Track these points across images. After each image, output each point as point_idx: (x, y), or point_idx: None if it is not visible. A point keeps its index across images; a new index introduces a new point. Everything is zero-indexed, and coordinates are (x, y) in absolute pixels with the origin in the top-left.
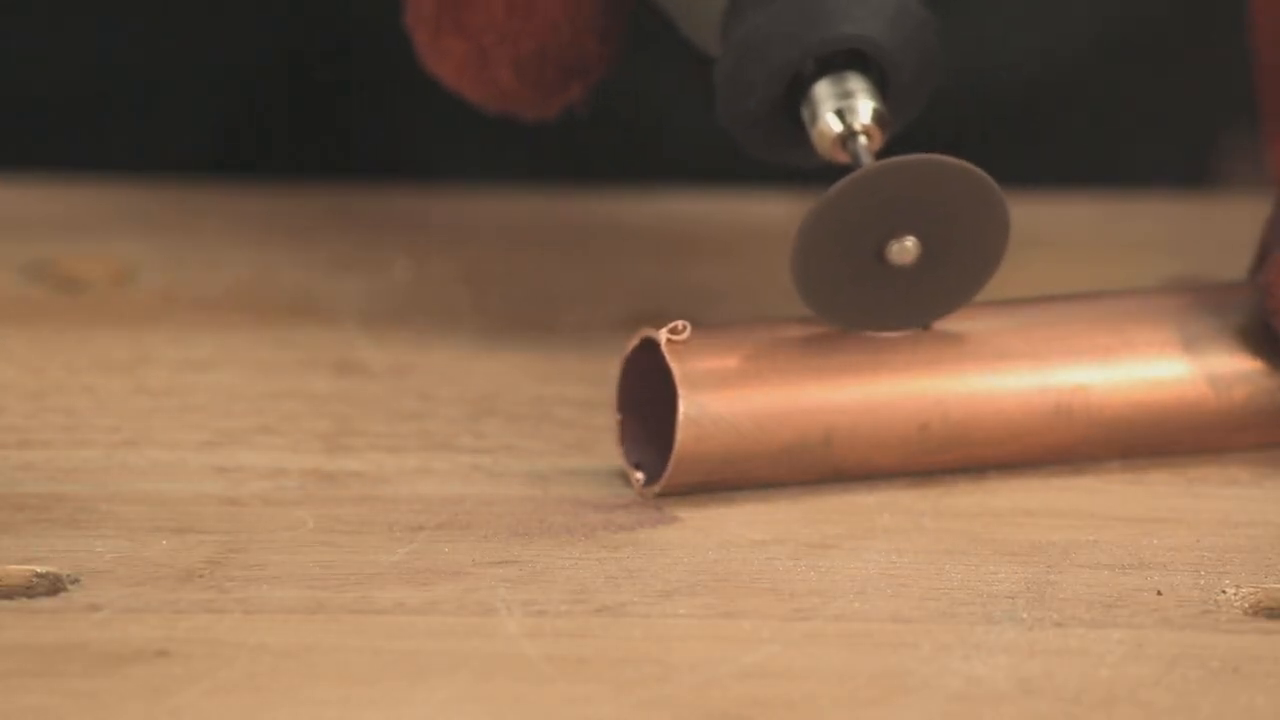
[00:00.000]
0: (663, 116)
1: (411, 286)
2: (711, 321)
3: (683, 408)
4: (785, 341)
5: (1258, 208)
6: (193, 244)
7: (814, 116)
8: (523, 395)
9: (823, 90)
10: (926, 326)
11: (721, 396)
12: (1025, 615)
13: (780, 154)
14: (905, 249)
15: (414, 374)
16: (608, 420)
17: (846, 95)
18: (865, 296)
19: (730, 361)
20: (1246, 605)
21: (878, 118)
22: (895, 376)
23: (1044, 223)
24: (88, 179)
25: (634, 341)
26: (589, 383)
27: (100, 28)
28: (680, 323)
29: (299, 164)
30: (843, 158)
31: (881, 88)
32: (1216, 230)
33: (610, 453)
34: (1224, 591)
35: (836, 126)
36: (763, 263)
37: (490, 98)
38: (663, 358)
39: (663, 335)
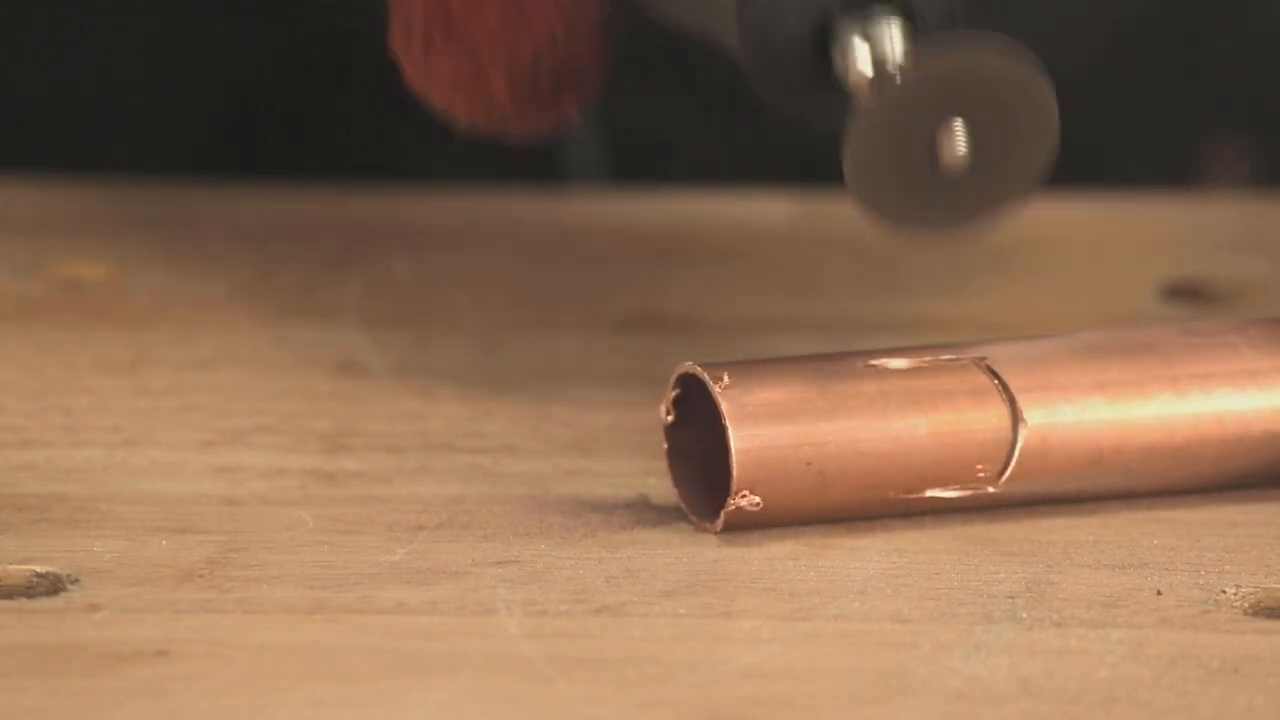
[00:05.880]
0: (663, 117)
1: (411, 286)
2: (715, 319)
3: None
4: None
5: (1256, 208)
6: (193, 244)
7: (845, 52)
8: (523, 395)
9: (852, 26)
10: (977, 227)
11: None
12: (1025, 615)
13: (804, 106)
14: (955, 141)
15: (414, 374)
16: (608, 420)
17: (878, 27)
18: (917, 195)
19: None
20: (1246, 605)
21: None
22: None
23: (1044, 223)
24: (88, 179)
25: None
26: (589, 383)
27: (100, 28)
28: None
29: (297, 164)
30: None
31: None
32: (1216, 230)
33: (610, 453)
34: (1224, 591)
35: (869, 58)
36: (763, 263)
37: (482, 115)
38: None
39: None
